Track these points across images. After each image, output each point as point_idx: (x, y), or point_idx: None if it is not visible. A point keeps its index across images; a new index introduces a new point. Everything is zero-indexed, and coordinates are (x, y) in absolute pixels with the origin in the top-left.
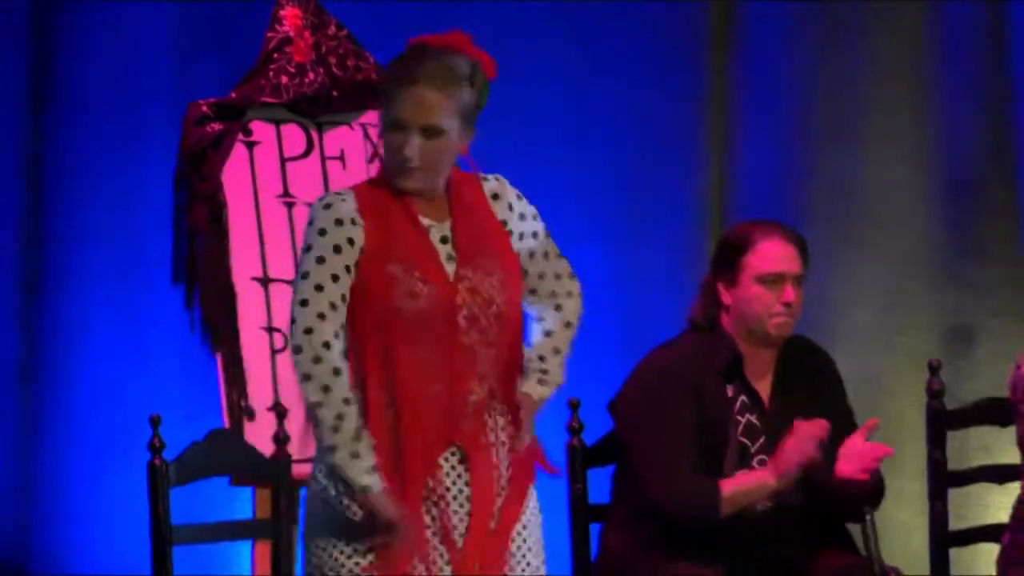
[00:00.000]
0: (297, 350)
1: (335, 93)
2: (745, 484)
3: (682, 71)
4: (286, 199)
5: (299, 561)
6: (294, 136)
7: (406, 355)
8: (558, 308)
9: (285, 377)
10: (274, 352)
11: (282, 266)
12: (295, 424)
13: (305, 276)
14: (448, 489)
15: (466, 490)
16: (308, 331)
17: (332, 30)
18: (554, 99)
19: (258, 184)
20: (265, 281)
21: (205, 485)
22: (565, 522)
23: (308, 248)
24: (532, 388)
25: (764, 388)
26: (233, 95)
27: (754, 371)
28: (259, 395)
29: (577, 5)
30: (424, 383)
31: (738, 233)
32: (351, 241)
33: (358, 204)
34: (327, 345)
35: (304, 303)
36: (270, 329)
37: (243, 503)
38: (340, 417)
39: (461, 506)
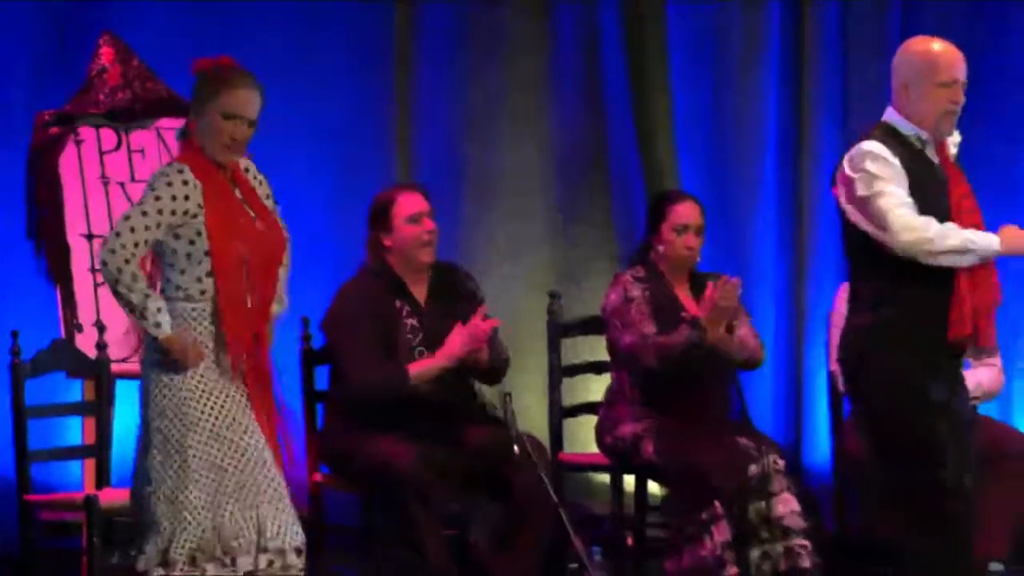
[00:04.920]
0: (105, 264)
1: (137, 107)
2: (424, 366)
3: (378, 86)
4: (103, 179)
5: (114, 429)
6: (109, 136)
7: (235, 278)
8: None
9: (104, 303)
10: (96, 286)
11: (101, 225)
12: (112, 335)
13: (127, 217)
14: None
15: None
16: (113, 251)
17: (135, 62)
18: (294, 105)
19: (84, 170)
20: (89, 236)
21: (49, 379)
22: (300, 404)
23: (144, 200)
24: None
25: (421, 297)
26: (67, 108)
27: (412, 286)
28: (86, 316)
29: (312, 40)
30: (242, 296)
31: (384, 196)
32: (187, 197)
33: (194, 174)
34: (127, 261)
35: (118, 235)
36: (93, 270)
37: (75, 391)
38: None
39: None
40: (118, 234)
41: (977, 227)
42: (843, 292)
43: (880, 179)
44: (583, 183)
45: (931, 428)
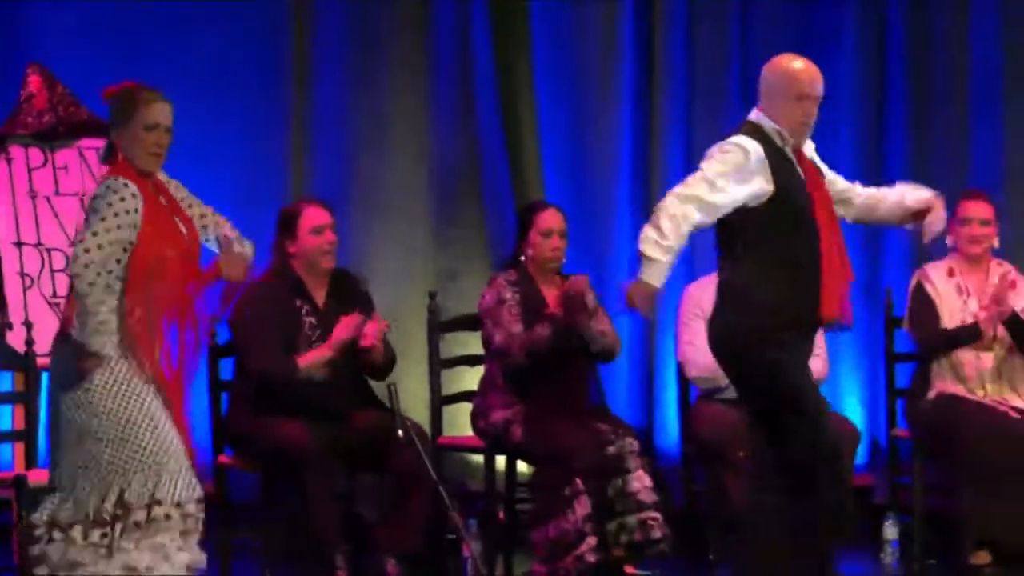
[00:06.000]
0: (77, 276)
1: (61, 128)
2: (312, 356)
3: (278, 102)
4: (31, 193)
5: (41, 416)
6: (36, 155)
7: (162, 281)
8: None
9: (32, 304)
10: (25, 289)
11: (29, 235)
12: (38, 333)
13: (95, 233)
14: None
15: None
16: (85, 266)
17: (60, 89)
18: (195, 117)
19: (14, 184)
20: (19, 244)
21: None
22: (206, 393)
23: (105, 216)
24: None
25: (320, 299)
26: None
27: (312, 289)
28: (16, 315)
29: (212, 55)
30: (170, 292)
31: (291, 208)
32: (136, 210)
33: (137, 188)
34: (98, 275)
35: (87, 251)
36: (22, 274)
37: (5, 382)
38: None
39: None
40: (87, 250)
41: (832, 230)
42: (687, 295)
43: (717, 162)
44: (459, 191)
45: (803, 393)
